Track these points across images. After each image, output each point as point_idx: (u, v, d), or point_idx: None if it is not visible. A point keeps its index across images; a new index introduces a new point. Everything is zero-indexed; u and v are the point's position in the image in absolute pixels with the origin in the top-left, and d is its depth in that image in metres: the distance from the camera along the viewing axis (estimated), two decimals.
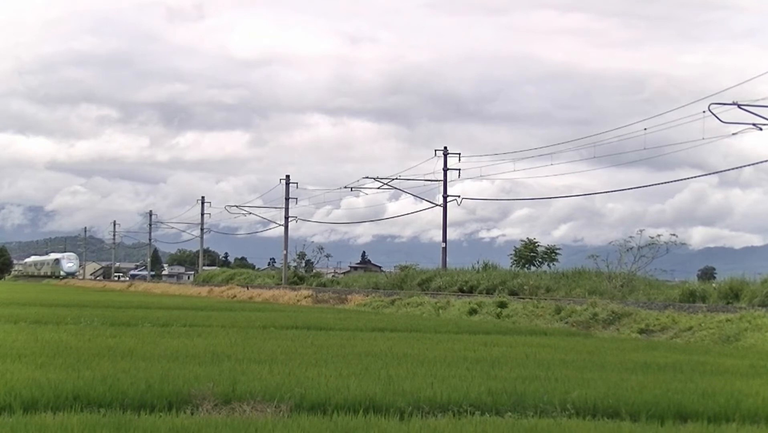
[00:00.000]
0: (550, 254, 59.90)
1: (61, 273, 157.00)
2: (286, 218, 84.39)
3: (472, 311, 37.94)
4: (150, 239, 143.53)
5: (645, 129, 49.29)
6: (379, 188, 73.36)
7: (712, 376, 15.79)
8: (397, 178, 70.60)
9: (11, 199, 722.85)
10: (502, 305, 37.61)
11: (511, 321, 34.71)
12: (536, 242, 61.08)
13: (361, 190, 77.20)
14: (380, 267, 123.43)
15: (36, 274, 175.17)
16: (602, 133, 79.73)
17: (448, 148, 66.01)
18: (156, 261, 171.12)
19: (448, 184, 65.53)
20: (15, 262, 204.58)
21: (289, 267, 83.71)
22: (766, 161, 44.23)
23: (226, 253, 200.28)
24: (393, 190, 73.89)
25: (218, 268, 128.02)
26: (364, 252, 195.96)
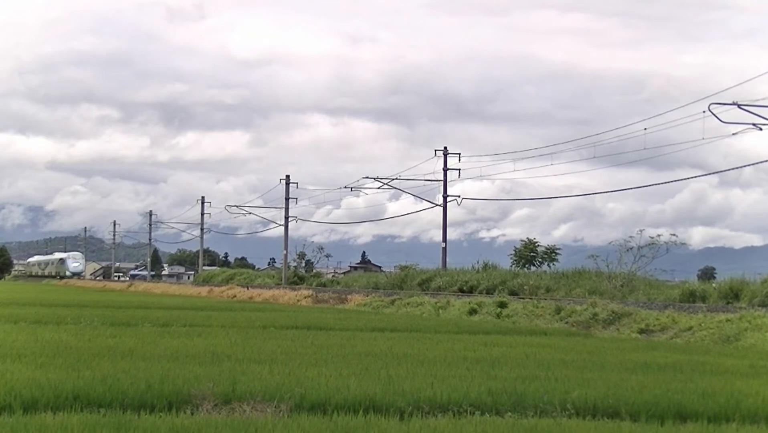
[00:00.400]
0: (550, 254, 59.87)
1: (67, 273, 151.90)
2: (286, 217, 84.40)
3: (472, 311, 37.93)
4: (150, 239, 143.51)
5: (645, 129, 49.34)
6: (379, 188, 73.45)
7: (712, 376, 15.79)
8: (397, 178, 70.68)
9: (11, 199, 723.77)
10: (502, 305, 37.61)
11: (511, 321, 34.71)
12: (536, 242, 61.06)
13: (361, 190, 77.31)
14: (380, 267, 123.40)
15: (40, 274, 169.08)
16: (602, 133, 79.91)
17: (448, 148, 66.03)
18: (156, 261, 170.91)
19: (448, 184, 65.56)
20: (16, 262, 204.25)
21: (289, 267, 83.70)
22: (766, 161, 44.26)
23: (226, 253, 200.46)
24: (393, 190, 74.01)
25: (218, 268, 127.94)
26: (364, 252, 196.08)
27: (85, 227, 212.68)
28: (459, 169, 65.62)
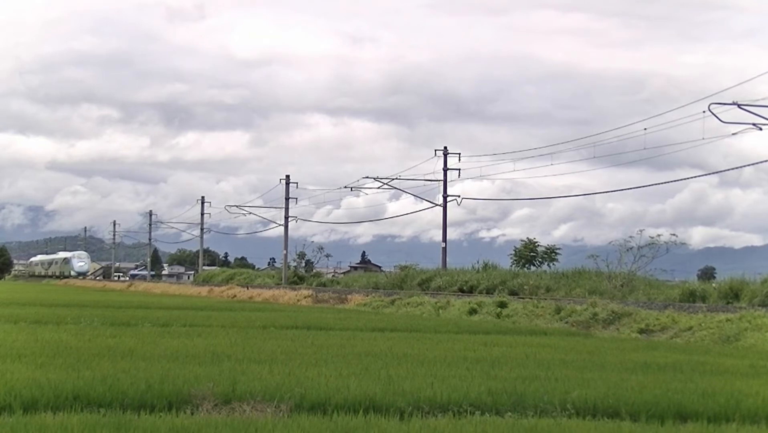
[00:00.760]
0: (550, 253, 59.86)
1: (72, 273, 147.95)
2: (286, 217, 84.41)
3: (472, 311, 37.93)
4: (150, 239, 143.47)
5: (645, 129, 49.39)
6: (379, 188, 73.46)
7: (712, 376, 15.78)
8: (397, 178, 70.70)
9: (11, 199, 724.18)
10: (502, 304, 37.60)
11: (511, 321, 34.70)
12: (536, 242, 61.04)
13: (361, 190, 77.31)
14: (380, 267, 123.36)
15: (43, 274, 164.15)
16: (602, 133, 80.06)
17: (448, 148, 66.04)
18: (156, 261, 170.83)
19: (448, 184, 65.58)
20: (16, 262, 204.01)
21: (289, 267, 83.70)
22: (766, 161, 44.28)
23: (226, 253, 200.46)
24: (393, 190, 74.01)
25: (218, 268, 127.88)
26: (364, 252, 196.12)
27: (85, 227, 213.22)
28: (459, 169, 65.75)
